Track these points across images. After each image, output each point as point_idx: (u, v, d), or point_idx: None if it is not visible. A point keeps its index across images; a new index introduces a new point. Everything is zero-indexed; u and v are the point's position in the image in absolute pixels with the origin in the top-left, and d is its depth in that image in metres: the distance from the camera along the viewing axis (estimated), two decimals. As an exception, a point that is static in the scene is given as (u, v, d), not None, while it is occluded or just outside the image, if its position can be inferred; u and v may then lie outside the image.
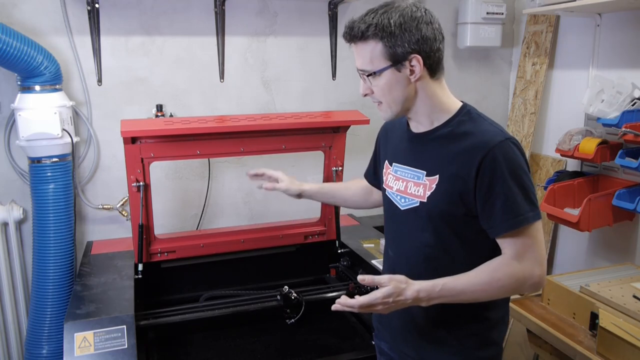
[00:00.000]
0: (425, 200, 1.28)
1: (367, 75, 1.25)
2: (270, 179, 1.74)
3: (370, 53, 1.22)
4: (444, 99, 1.29)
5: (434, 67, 1.25)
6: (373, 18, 1.20)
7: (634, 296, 1.84)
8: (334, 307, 1.22)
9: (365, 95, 1.29)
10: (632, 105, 2.15)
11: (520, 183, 1.20)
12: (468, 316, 1.32)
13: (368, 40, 1.21)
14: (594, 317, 1.77)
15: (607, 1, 2.12)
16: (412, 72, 1.22)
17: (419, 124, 1.32)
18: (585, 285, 1.92)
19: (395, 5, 1.21)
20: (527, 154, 2.81)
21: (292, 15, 2.62)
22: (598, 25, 2.49)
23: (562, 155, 2.40)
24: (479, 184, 1.20)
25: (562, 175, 2.51)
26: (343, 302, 1.20)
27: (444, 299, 1.21)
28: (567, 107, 2.72)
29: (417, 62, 1.21)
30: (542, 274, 1.23)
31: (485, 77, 3.06)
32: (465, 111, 1.29)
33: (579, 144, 2.29)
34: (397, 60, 1.21)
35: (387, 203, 1.41)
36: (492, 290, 1.23)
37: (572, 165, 2.66)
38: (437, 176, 1.26)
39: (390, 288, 1.17)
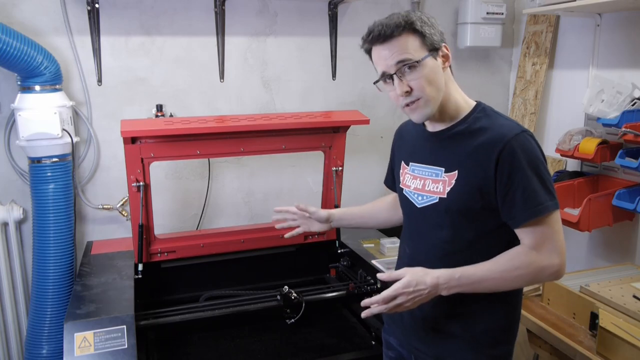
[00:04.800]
0: (445, 196, 1.29)
1: (409, 67, 1.23)
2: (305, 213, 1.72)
3: (408, 45, 1.24)
4: (459, 96, 1.34)
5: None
6: (398, 17, 1.24)
7: (634, 296, 1.84)
8: (364, 315, 1.26)
9: (406, 92, 1.25)
10: (632, 105, 2.14)
11: (538, 173, 1.22)
12: (484, 313, 1.33)
13: (404, 34, 1.23)
14: (594, 317, 1.77)
15: (607, 1, 2.11)
16: (444, 59, 1.28)
17: (437, 123, 1.34)
18: (585, 285, 1.92)
19: (406, 11, 1.28)
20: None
21: (292, 15, 2.62)
22: (598, 25, 2.49)
23: (562, 155, 2.40)
24: (499, 176, 1.22)
25: (562, 175, 2.50)
26: (367, 302, 1.24)
27: (463, 287, 1.23)
28: (567, 107, 2.71)
29: (446, 49, 1.28)
30: (561, 263, 1.24)
31: (485, 77, 3.06)
32: (481, 108, 1.33)
33: (579, 144, 2.29)
34: (434, 48, 1.26)
35: (404, 201, 1.43)
36: (510, 279, 1.24)
37: (572, 165, 2.66)
38: (456, 172, 1.28)
39: (408, 277, 1.21)
